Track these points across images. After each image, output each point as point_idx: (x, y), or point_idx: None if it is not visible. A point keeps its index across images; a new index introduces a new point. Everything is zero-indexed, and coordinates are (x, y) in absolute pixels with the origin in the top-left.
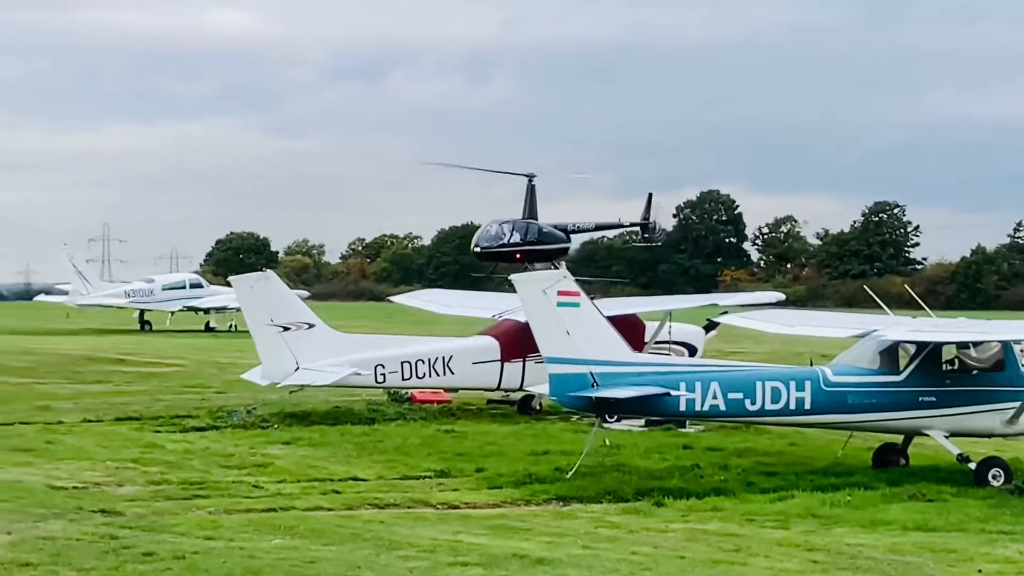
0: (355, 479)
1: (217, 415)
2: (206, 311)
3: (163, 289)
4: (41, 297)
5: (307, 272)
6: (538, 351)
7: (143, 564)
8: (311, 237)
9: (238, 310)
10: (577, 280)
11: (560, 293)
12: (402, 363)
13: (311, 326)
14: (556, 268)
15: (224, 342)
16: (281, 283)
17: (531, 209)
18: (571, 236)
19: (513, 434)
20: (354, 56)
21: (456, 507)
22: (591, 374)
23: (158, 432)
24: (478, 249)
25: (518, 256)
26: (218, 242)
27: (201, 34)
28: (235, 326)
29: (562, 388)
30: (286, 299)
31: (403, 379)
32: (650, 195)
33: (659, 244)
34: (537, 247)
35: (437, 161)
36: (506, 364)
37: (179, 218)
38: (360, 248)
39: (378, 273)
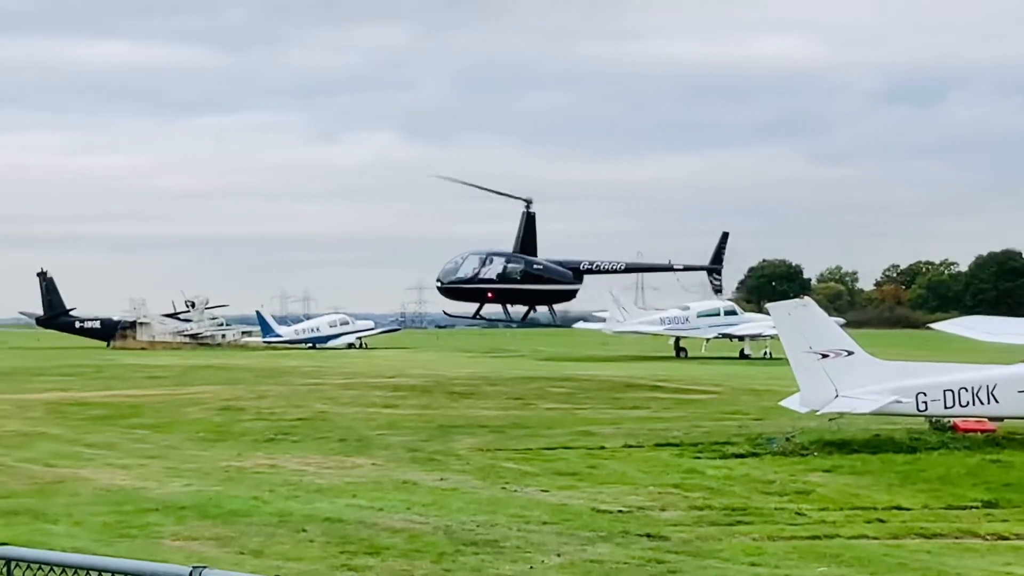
0: (899, 508)
1: (756, 442)
2: (740, 338)
3: (698, 316)
4: (579, 324)
5: (840, 299)
6: None
7: None
8: (844, 264)
9: (773, 337)
10: None
11: None
12: (944, 391)
13: (850, 353)
14: (553, 313)
15: (759, 369)
16: (820, 310)
17: (525, 240)
18: (584, 276)
19: None
20: (906, 78)
21: (1006, 538)
22: None
23: (698, 458)
24: (439, 284)
25: (490, 296)
26: (751, 269)
27: (750, 62)
28: (769, 353)
29: None
30: (825, 326)
31: (945, 407)
32: (725, 234)
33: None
34: (524, 286)
35: (446, 175)
36: None
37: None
38: (895, 275)
39: (913, 300)
